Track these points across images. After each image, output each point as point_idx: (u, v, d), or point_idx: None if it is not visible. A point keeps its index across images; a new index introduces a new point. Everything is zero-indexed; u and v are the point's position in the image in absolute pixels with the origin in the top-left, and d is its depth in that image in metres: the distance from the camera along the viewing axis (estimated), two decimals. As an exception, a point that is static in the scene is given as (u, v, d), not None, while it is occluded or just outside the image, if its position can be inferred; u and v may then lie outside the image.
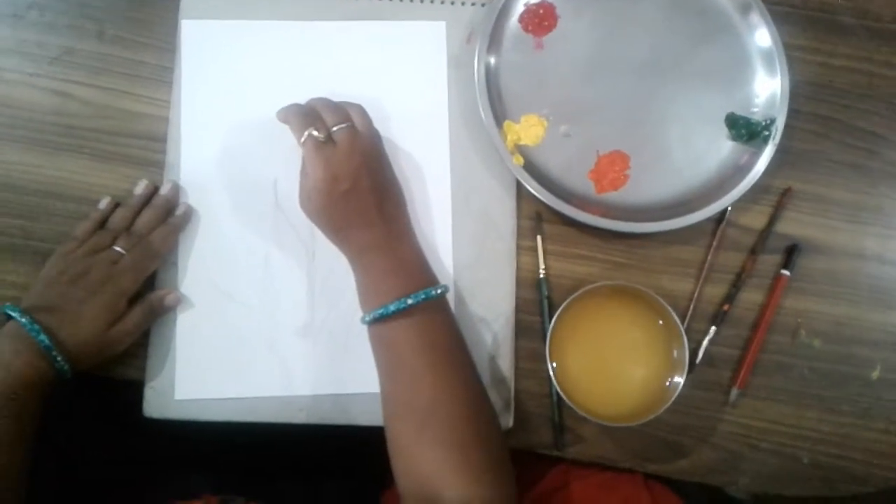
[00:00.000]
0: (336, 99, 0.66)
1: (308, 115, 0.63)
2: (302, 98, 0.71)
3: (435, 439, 0.57)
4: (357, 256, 0.63)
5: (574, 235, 0.72)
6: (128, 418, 0.66)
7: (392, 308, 0.59)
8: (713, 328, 0.71)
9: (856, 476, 0.70)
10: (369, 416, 0.68)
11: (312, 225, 0.69)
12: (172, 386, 0.67)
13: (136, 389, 0.67)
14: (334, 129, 0.62)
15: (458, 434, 0.57)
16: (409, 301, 0.59)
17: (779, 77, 0.72)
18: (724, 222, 0.72)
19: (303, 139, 0.61)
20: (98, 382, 0.66)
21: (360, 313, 0.68)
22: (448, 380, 0.59)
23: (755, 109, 0.73)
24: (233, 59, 0.72)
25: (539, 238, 0.71)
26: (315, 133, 0.61)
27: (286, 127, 0.70)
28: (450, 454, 0.56)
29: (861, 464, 0.70)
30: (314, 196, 0.62)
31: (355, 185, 0.61)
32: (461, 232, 0.71)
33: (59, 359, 0.59)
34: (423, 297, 0.60)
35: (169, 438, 0.69)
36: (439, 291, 0.61)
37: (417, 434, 0.58)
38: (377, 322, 0.60)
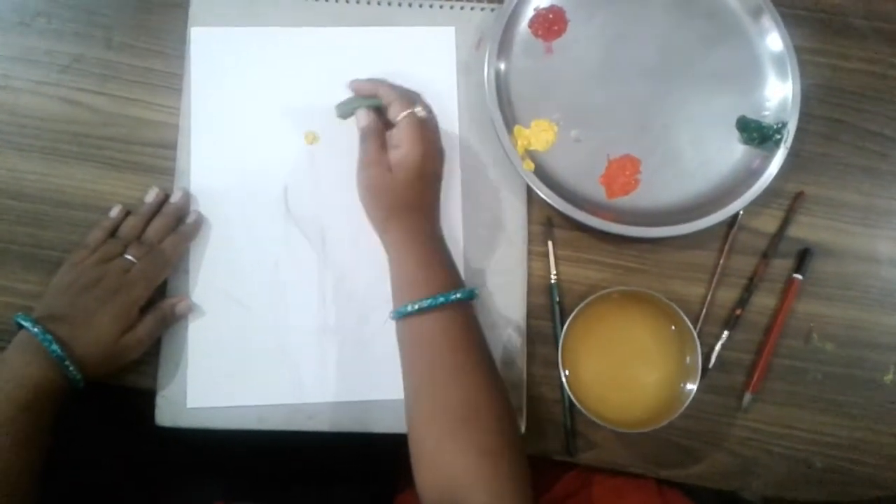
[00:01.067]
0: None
1: (407, 94, 0.65)
2: (310, 103, 0.71)
3: (467, 444, 0.56)
4: (403, 245, 0.62)
5: (585, 240, 0.72)
6: (140, 426, 0.66)
7: (426, 303, 0.58)
8: (726, 332, 0.70)
9: (870, 480, 0.70)
10: (380, 422, 0.68)
11: (324, 232, 0.69)
12: (184, 394, 0.67)
13: (148, 398, 0.67)
14: (419, 112, 0.64)
15: (491, 440, 0.56)
16: (441, 299, 0.58)
17: (790, 80, 0.72)
18: (737, 226, 0.72)
19: (405, 114, 0.63)
20: (110, 391, 0.66)
21: (370, 321, 0.68)
22: (483, 382, 0.58)
23: (766, 113, 0.73)
24: (242, 65, 0.72)
25: (550, 243, 0.71)
26: (420, 112, 0.64)
27: (295, 133, 0.70)
28: (480, 461, 0.55)
29: (875, 468, 0.70)
30: (401, 173, 0.62)
31: (437, 172, 0.64)
32: (472, 238, 0.71)
33: (71, 368, 0.59)
34: (453, 296, 0.59)
35: (181, 446, 0.68)
36: (469, 293, 0.61)
37: (449, 437, 0.56)
38: (410, 316, 0.59)
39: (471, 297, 0.60)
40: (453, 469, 0.55)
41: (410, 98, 0.65)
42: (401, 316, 0.60)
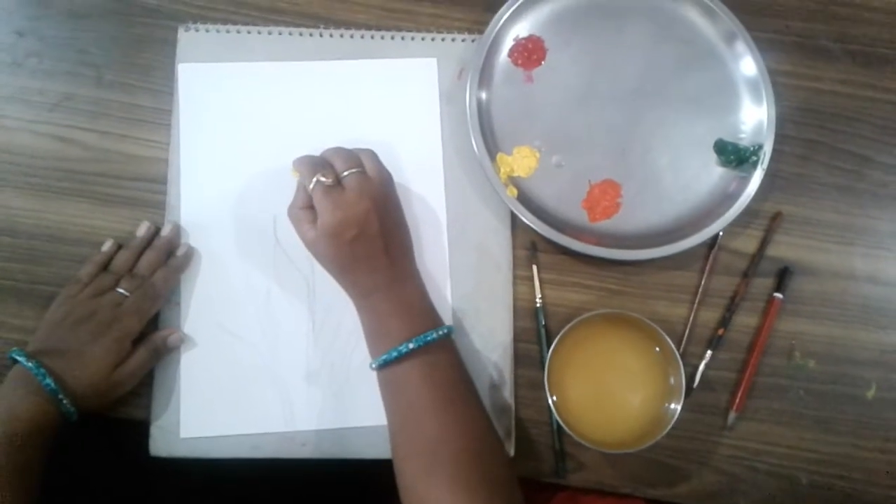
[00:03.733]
0: (338, 139, 0.67)
1: (317, 164, 0.64)
2: (297, 135, 0.73)
3: (441, 480, 0.57)
4: (362, 299, 0.64)
5: (569, 264, 0.73)
6: (134, 457, 0.67)
7: (394, 354, 0.60)
8: (709, 352, 0.72)
9: (855, 496, 0.71)
10: (371, 449, 0.69)
11: (313, 261, 0.70)
12: (178, 424, 0.68)
13: (142, 429, 0.68)
14: (344, 174, 0.63)
15: (464, 474, 0.57)
16: (411, 345, 0.60)
17: (765, 103, 0.74)
18: (717, 247, 0.73)
19: (312, 185, 0.62)
20: (104, 423, 0.67)
21: (360, 347, 0.69)
22: (452, 418, 0.60)
23: (743, 135, 0.75)
24: (229, 99, 0.74)
25: (535, 268, 0.72)
26: (322, 179, 0.62)
27: (283, 165, 0.71)
28: (456, 496, 0.56)
29: (860, 483, 0.71)
30: (322, 240, 0.62)
31: (363, 230, 0.62)
32: (458, 264, 0.72)
33: (65, 402, 0.60)
34: (423, 340, 0.61)
35: (176, 476, 0.69)
36: (441, 333, 0.62)
37: (425, 474, 0.58)
38: (384, 367, 0.61)
39: (428, 340, 0.61)
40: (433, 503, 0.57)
41: (321, 163, 0.64)
42: (379, 367, 0.62)
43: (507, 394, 0.70)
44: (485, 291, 0.72)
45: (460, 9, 0.77)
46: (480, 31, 0.75)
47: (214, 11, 0.76)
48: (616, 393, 0.69)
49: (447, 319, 0.70)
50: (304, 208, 0.64)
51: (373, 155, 0.66)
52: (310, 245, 0.64)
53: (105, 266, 0.69)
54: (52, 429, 0.60)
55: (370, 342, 0.64)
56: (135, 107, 0.74)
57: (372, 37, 0.76)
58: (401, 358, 0.60)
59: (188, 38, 0.74)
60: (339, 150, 0.66)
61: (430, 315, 0.64)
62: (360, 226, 0.62)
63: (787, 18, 0.79)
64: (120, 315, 0.65)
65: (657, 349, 0.69)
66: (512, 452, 0.69)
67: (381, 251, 0.63)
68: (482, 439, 0.61)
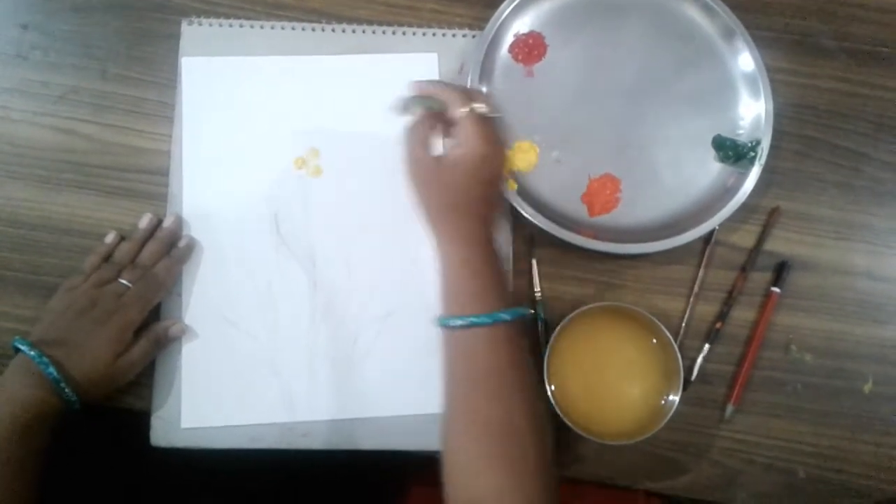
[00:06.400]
0: (339, 132, 0.68)
1: (468, 92, 0.63)
2: (298, 128, 0.73)
3: (500, 462, 0.54)
4: (450, 246, 0.60)
5: (568, 258, 0.74)
6: (135, 447, 0.68)
7: (487, 320, 0.57)
8: (707, 346, 0.72)
9: (852, 489, 0.71)
10: (371, 440, 0.69)
11: (313, 253, 0.70)
12: (178, 415, 0.68)
13: (143, 419, 0.68)
14: (484, 109, 0.61)
15: (525, 461, 0.55)
16: (506, 316, 0.57)
17: (763, 99, 0.74)
18: (713, 242, 0.74)
19: (463, 111, 0.60)
20: (105, 412, 0.67)
21: (361, 338, 0.70)
22: (520, 403, 0.57)
23: (741, 131, 0.75)
24: (231, 93, 0.74)
25: (534, 261, 0.73)
26: (481, 107, 0.61)
27: (284, 158, 0.72)
28: (512, 481, 0.54)
29: (857, 476, 0.71)
30: (455, 170, 0.60)
31: (495, 173, 0.60)
32: (458, 257, 0.73)
33: (67, 391, 0.60)
34: (517, 314, 0.58)
35: (176, 466, 0.70)
36: (529, 312, 0.60)
37: (483, 455, 0.55)
38: (455, 328, 0.58)
39: (519, 316, 0.58)
40: (485, 487, 0.54)
41: (471, 95, 0.62)
42: (445, 327, 0.59)
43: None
44: (484, 284, 0.72)
45: (461, 5, 0.78)
46: (481, 27, 0.76)
47: (218, 6, 0.76)
48: (614, 385, 0.69)
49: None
50: (420, 145, 0.62)
51: (492, 100, 0.64)
52: (420, 180, 0.62)
53: (108, 257, 0.69)
54: (54, 417, 0.60)
55: (446, 299, 0.60)
56: (138, 100, 0.74)
57: (374, 32, 0.76)
58: (486, 325, 0.57)
59: (192, 32, 0.75)
60: (459, 86, 0.64)
61: (507, 289, 0.61)
62: (499, 168, 0.60)
63: (785, 16, 0.80)
64: (122, 305, 0.65)
65: (655, 341, 0.69)
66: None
67: (494, 206, 0.61)
68: (539, 428, 0.57)
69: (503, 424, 0.56)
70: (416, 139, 0.62)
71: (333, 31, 0.76)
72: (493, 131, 0.61)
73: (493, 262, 0.60)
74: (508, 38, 0.76)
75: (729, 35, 0.76)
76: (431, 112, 0.63)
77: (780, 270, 0.74)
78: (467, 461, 0.55)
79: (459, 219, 0.60)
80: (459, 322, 0.57)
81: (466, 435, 0.56)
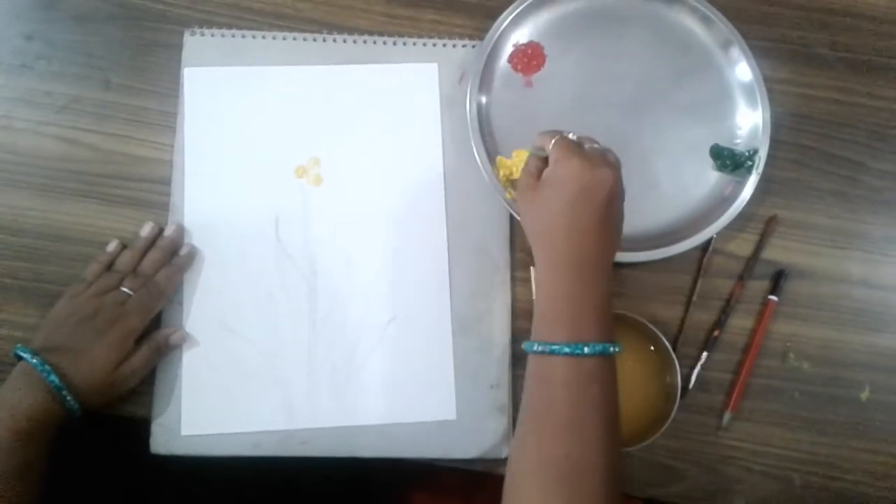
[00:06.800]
0: (340, 142, 0.68)
1: (562, 131, 0.62)
2: (299, 138, 0.74)
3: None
4: (544, 267, 0.59)
5: (567, 266, 0.74)
6: (135, 455, 0.68)
7: (575, 350, 0.54)
8: (705, 353, 0.72)
9: (849, 497, 0.72)
10: (372, 448, 0.69)
11: (314, 261, 0.71)
12: (179, 422, 0.68)
13: (143, 426, 0.68)
14: (574, 136, 0.62)
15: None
16: (586, 350, 0.54)
17: (760, 109, 0.75)
18: (710, 250, 0.74)
19: (555, 139, 0.60)
20: (106, 420, 0.68)
21: (361, 346, 0.70)
22: (597, 442, 0.54)
23: (739, 141, 0.76)
24: (233, 103, 0.75)
25: (533, 269, 0.73)
26: (571, 134, 0.61)
27: (285, 167, 0.73)
28: None
29: (853, 484, 0.72)
30: (546, 189, 0.59)
31: (587, 190, 0.57)
32: (458, 265, 0.73)
33: (68, 398, 0.61)
34: (607, 350, 0.55)
35: (176, 474, 0.70)
36: (615, 350, 0.56)
37: (552, 496, 0.52)
38: (539, 354, 0.56)
39: (603, 352, 0.55)
40: None
41: (563, 131, 0.62)
42: (528, 351, 0.58)
43: (505, 394, 0.71)
44: (484, 293, 0.73)
45: (461, 15, 0.79)
46: (481, 38, 0.76)
47: (220, 16, 0.77)
48: (612, 393, 0.70)
49: (447, 319, 0.71)
50: (531, 173, 0.62)
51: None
52: (520, 202, 0.62)
53: (110, 266, 0.70)
54: (55, 425, 0.61)
55: (537, 322, 0.58)
56: (141, 109, 0.75)
57: (374, 42, 0.77)
58: (565, 356, 0.55)
59: (194, 42, 0.76)
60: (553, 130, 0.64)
61: (604, 319, 0.57)
62: (594, 186, 0.57)
63: (782, 26, 0.81)
64: (123, 313, 0.66)
65: (652, 349, 0.70)
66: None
67: (606, 231, 0.58)
68: (613, 468, 0.54)
69: (570, 462, 0.53)
70: (527, 169, 0.63)
71: (334, 41, 0.77)
72: (588, 153, 0.59)
73: (590, 290, 0.57)
74: (508, 49, 0.77)
75: (726, 45, 0.77)
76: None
77: (778, 279, 0.74)
78: (530, 501, 0.53)
79: (554, 242, 0.58)
80: (539, 347, 0.56)
81: (534, 474, 0.54)
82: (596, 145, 0.62)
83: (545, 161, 0.62)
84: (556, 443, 0.54)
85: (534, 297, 0.59)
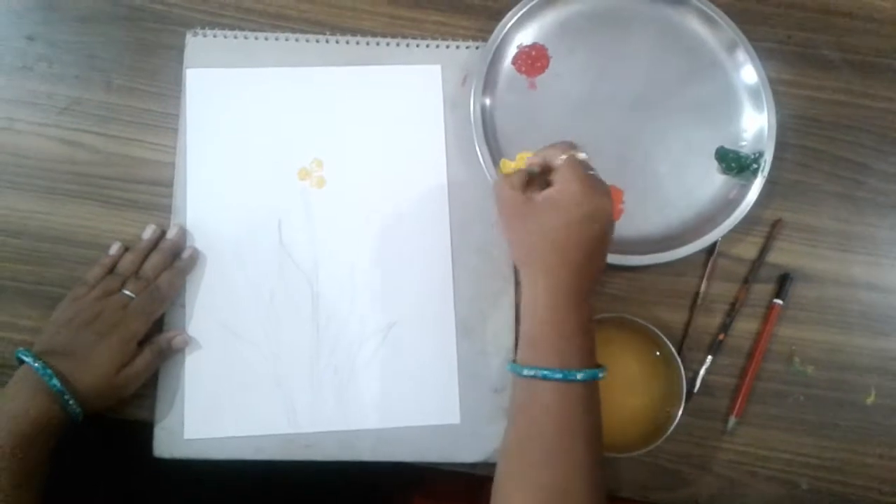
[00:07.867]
0: (343, 144, 0.68)
1: (569, 143, 0.61)
2: (302, 140, 0.74)
3: None
4: (533, 290, 0.58)
5: (571, 269, 0.74)
6: (138, 458, 0.68)
7: (548, 375, 0.55)
8: (709, 357, 0.72)
9: (855, 501, 0.71)
10: (374, 451, 0.69)
11: (316, 264, 0.71)
12: (182, 426, 0.68)
13: (146, 430, 0.68)
14: (584, 156, 0.60)
15: None
16: (579, 376, 0.55)
17: (766, 111, 0.75)
18: (715, 254, 0.74)
19: (564, 157, 0.59)
20: (108, 423, 0.67)
21: (363, 350, 0.70)
22: (578, 468, 0.55)
23: (744, 143, 0.75)
24: (235, 104, 0.75)
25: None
26: (583, 155, 0.60)
27: (288, 169, 0.72)
28: None
29: (859, 488, 0.71)
30: (546, 208, 0.58)
31: (588, 218, 0.56)
32: (461, 267, 0.73)
33: (70, 402, 0.60)
34: (593, 376, 0.56)
35: (179, 477, 0.70)
36: (601, 375, 0.57)
37: None
38: (524, 377, 0.56)
39: (593, 378, 0.56)
40: None
41: (572, 146, 0.61)
42: (514, 373, 0.57)
43: (509, 398, 0.70)
44: (487, 296, 0.72)
45: (465, 17, 0.78)
46: (485, 39, 0.76)
47: (222, 17, 0.77)
48: (617, 397, 0.69)
49: (450, 322, 0.71)
50: (520, 183, 0.60)
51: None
52: (514, 207, 0.59)
53: (112, 268, 0.69)
54: (57, 428, 0.60)
55: (522, 344, 0.59)
56: (142, 111, 0.74)
57: (377, 43, 0.77)
58: (555, 381, 0.55)
59: (196, 43, 0.75)
60: (556, 143, 0.62)
61: (588, 346, 0.58)
62: (595, 216, 0.57)
63: (788, 28, 0.80)
64: (125, 317, 0.65)
65: (657, 353, 0.69)
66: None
67: (590, 256, 0.57)
68: (595, 494, 0.55)
69: (552, 490, 0.53)
70: (510, 181, 0.60)
71: (337, 42, 0.76)
72: (593, 179, 0.58)
73: (578, 316, 0.57)
74: (512, 50, 0.77)
75: (732, 47, 0.77)
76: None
77: (783, 282, 0.74)
78: None
79: (546, 264, 0.57)
80: (528, 372, 0.56)
81: (514, 497, 0.55)
82: (592, 171, 0.60)
83: (534, 178, 0.61)
84: (542, 470, 0.54)
85: (518, 317, 0.58)
